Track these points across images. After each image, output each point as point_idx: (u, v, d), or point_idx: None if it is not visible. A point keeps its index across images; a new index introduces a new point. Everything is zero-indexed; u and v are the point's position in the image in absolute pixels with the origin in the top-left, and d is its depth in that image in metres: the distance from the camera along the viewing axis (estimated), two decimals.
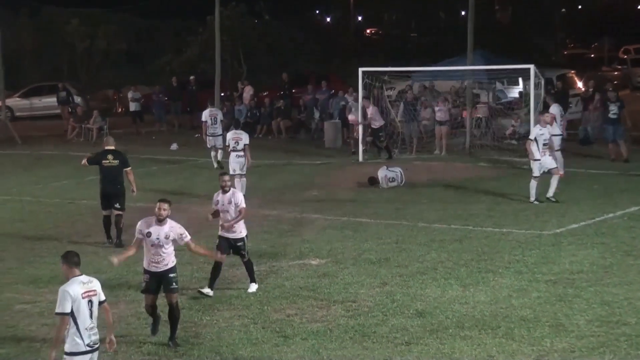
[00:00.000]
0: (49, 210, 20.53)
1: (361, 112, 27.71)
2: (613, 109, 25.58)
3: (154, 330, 11.61)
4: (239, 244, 13.59)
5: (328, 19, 75.04)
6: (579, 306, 12.36)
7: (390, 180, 22.46)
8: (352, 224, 18.10)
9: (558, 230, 16.88)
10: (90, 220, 18.48)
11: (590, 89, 29.76)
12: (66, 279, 8.86)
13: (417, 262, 14.86)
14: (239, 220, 13.51)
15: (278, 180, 24.20)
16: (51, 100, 43.48)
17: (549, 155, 19.57)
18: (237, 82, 39.96)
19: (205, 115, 26.61)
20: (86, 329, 8.70)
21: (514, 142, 28.21)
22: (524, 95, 29.57)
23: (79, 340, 8.69)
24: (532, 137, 19.74)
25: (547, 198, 19.44)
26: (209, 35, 41.51)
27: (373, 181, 22.63)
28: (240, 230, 13.60)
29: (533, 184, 19.55)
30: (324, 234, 17.33)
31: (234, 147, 20.88)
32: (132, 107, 37.81)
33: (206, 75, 40.96)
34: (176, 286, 11.51)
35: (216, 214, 13.58)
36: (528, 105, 26.39)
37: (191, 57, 47.80)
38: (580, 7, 70.80)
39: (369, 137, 27.54)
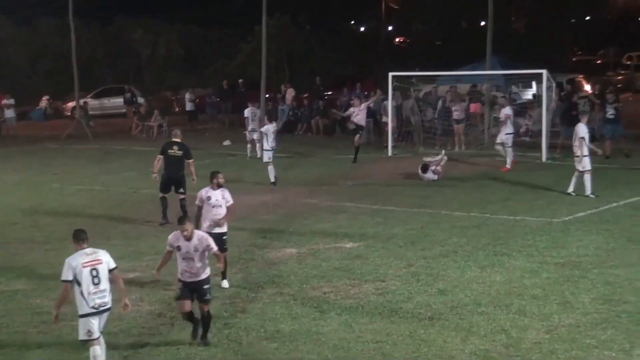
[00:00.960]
0: (116, 198, 20.72)
1: (390, 110, 27.60)
2: (610, 110, 25.31)
3: (195, 335, 10.47)
4: (224, 237, 12.60)
5: (362, 29, 74.80)
6: (584, 286, 12.23)
7: (434, 172, 21.93)
8: (382, 212, 18.05)
9: (567, 218, 16.71)
10: (151, 207, 18.62)
11: (596, 92, 29.43)
12: (75, 252, 9.33)
13: (440, 246, 14.79)
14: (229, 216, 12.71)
15: (315, 172, 24.19)
16: (118, 100, 43.92)
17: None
18: (281, 84, 40.02)
19: (247, 112, 27.47)
20: (90, 293, 9.11)
21: (527, 138, 27.95)
22: (537, 96, 29.29)
23: (83, 303, 9.14)
24: (582, 135, 18.73)
25: (569, 193, 18.93)
26: (257, 42, 41.60)
27: (425, 169, 22.00)
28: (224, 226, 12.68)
29: (588, 177, 18.72)
30: (357, 220, 17.29)
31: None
32: (188, 106, 38.03)
33: (254, 78, 41.12)
34: (209, 297, 10.46)
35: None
36: (540, 105, 26.15)
37: (241, 62, 48.00)
38: (588, 17, 70.02)
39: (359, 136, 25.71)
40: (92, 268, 9.17)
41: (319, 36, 52.74)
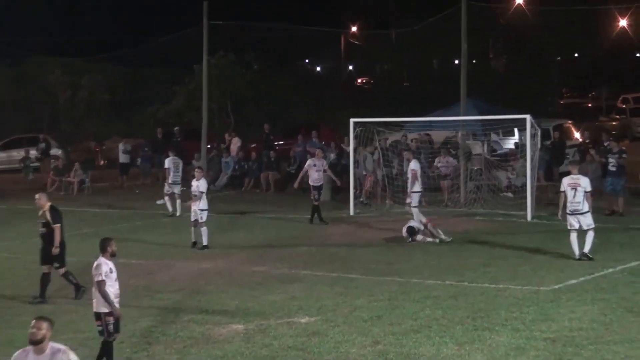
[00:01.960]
0: (28, 267, 20.41)
1: (352, 163, 27.87)
2: (612, 160, 25.61)
3: None
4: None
5: (318, 69, 75.64)
6: None
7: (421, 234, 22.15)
8: (342, 280, 18.04)
9: (556, 286, 16.85)
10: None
11: (587, 140, 29.86)
12: None
13: (411, 320, 14.80)
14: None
15: (266, 235, 24.18)
16: (31, 153, 43.49)
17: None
18: (225, 133, 40.12)
19: (168, 162, 28.03)
20: None
21: (509, 194, 28.26)
22: (520, 146, 29.61)
23: None
24: (589, 189, 19.07)
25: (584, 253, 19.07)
26: (196, 84, 41.77)
27: (413, 232, 22.19)
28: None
29: (591, 234, 18.97)
30: (313, 290, 17.26)
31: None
32: (122, 158, 37.84)
33: (192, 125, 41.13)
34: None
35: None
36: (524, 156, 26.42)
37: (177, 107, 48.05)
38: (576, 54, 71.44)
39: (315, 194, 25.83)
40: None
41: (269, 77, 53.12)
